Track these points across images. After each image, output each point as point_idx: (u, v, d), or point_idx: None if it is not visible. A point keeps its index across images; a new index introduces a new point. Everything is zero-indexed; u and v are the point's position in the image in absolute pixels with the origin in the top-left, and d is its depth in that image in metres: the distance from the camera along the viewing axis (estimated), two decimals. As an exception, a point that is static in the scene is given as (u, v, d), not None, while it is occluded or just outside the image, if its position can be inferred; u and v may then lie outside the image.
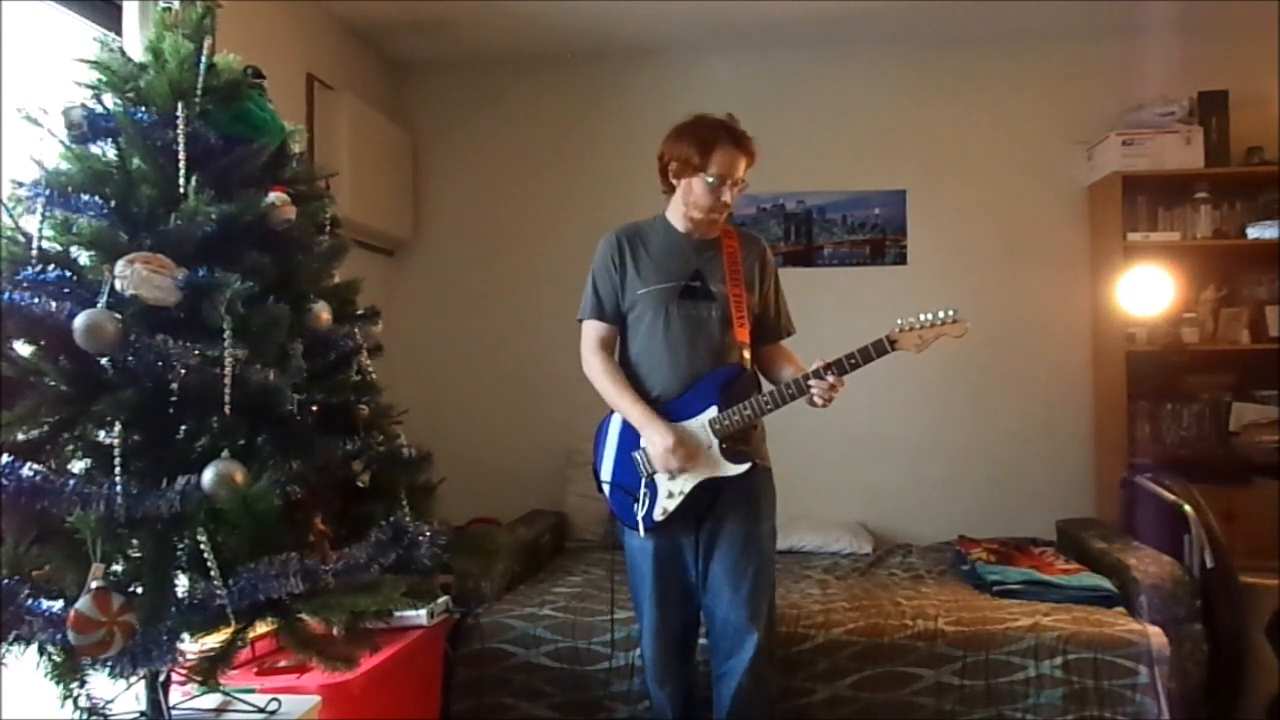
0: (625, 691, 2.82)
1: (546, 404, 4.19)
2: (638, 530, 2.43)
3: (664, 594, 2.46)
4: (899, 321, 2.32)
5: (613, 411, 2.50)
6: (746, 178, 2.44)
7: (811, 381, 2.32)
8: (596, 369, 2.48)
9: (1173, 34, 3.79)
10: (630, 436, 2.45)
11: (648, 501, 2.41)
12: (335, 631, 1.64)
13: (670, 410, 2.40)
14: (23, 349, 1.50)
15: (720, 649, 2.44)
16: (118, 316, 1.43)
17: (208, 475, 1.41)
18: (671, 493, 2.40)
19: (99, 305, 1.43)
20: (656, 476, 2.41)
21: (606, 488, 2.51)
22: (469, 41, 4.06)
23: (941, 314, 2.29)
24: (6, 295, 1.46)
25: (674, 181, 2.46)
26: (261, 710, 2.00)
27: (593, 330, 2.51)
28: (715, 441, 2.38)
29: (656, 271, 2.46)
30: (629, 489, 2.44)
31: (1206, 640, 2.81)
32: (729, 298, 2.44)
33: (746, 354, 2.46)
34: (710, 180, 2.37)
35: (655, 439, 2.36)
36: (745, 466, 2.39)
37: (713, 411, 2.38)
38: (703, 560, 2.45)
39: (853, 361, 2.30)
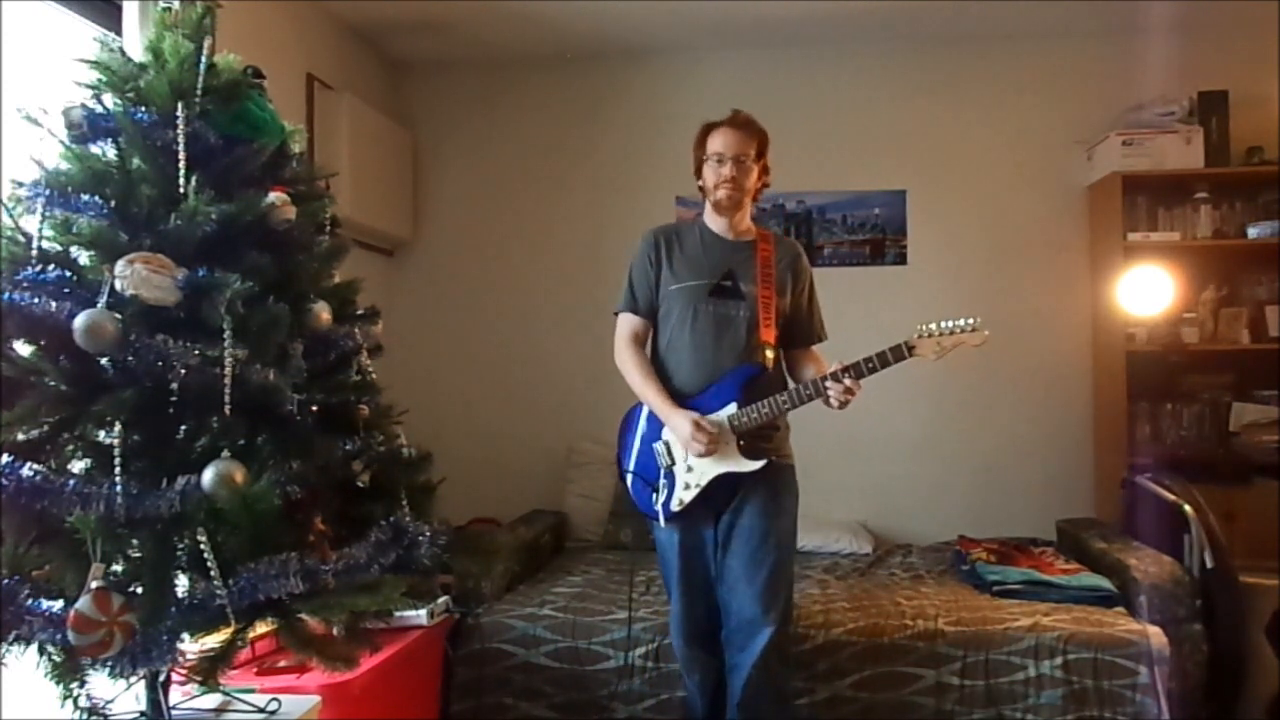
0: (625, 691, 2.82)
1: (546, 404, 4.20)
2: (655, 519, 2.50)
3: (689, 585, 2.52)
4: (919, 327, 2.33)
5: (641, 404, 2.57)
6: (763, 160, 2.53)
7: (829, 383, 2.36)
8: (626, 360, 2.55)
9: (1173, 34, 3.79)
10: (653, 428, 2.52)
11: (665, 491, 2.47)
12: (335, 631, 1.64)
13: (691, 405, 2.45)
14: (23, 349, 1.50)
15: (734, 642, 2.46)
16: (118, 316, 1.44)
17: (208, 475, 1.41)
18: (689, 484, 2.45)
19: (99, 305, 1.43)
20: (675, 468, 2.47)
21: (629, 477, 2.57)
22: (469, 41, 4.06)
23: (962, 322, 2.30)
24: (6, 295, 1.46)
25: (698, 179, 2.58)
26: (261, 710, 2.00)
27: (626, 323, 2.59)
28: (733, 438, 2.41)
29: (689, 269, 2.54)
30: (648, 479, 2.51)
31: (1206, 640, 2.81)
32: (758, 299, 2.50)
33: (770, 354, 2.51)
34: (708, 158, 2.51)
35: (679, 423, 2.41)
36: (760, 464, 2.42)
37: (732, 408, 2.42)
38: (720, 552, 2.49)
39: (870, 365, 2.33)
